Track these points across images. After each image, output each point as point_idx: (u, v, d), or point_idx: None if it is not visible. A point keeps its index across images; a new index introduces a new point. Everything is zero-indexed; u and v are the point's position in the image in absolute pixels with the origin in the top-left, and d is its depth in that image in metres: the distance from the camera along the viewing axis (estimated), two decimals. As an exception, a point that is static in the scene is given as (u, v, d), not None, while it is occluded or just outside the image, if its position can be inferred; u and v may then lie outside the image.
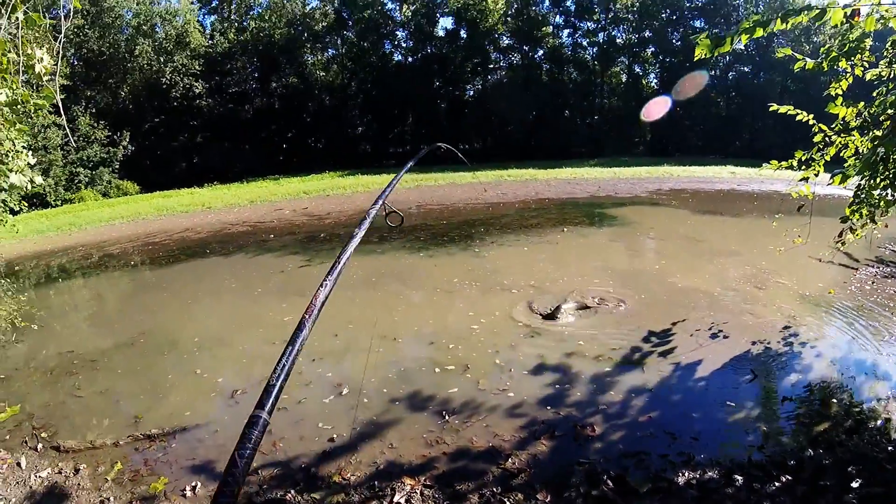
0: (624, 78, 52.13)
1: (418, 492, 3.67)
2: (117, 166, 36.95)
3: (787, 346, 6.11)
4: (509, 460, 4.00)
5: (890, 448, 4.05)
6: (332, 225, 16.43)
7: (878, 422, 4.46)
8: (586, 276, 9.06)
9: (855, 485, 3.60)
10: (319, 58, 50.37)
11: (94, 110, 38.32)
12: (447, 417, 4.66)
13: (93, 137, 36.09)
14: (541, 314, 7.15)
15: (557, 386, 5.18)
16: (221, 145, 43.81)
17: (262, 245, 13.82)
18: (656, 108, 41.27)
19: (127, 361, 6.67)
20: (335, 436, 4.45)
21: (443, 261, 10.85)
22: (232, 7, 48.98)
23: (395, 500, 3.60)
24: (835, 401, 4.88)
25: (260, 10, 49.19)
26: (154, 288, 10.73)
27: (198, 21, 46.96)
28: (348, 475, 3.92)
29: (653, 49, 50.15)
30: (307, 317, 0.81)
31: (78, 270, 12.80)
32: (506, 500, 3.55)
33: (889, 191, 5.03)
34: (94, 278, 11.91)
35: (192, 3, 47.64)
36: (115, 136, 37.28)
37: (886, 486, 3.57)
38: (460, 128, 47.95)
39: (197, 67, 43.11)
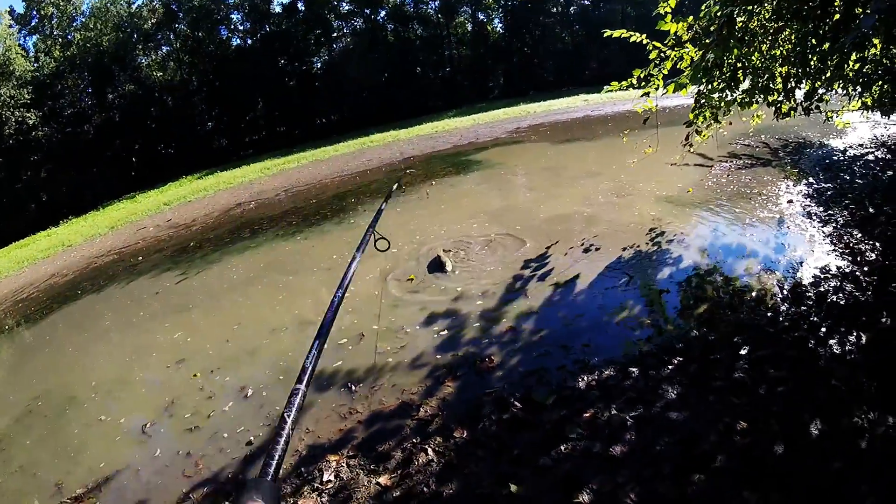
0: (469, 27, 52.70)
1: (344, 464, 3.76)
2: (-39, 225, 33.31)
3: (655, 245, 6.64)
4: (421, 410, 4.17)
5: (769, 314, 4.56)
6: (201, 231, 15.73)
7: (754, 293, 4.99)
8: (461, 223, 9.29)
9: (743, 352, 4.04)
10: (154, 58, 47.02)
11: (-76, 171, 34.20)
12: (353, 388, 4.76)
13: (-71, 201, 32.29)
14: (426, 269, 7.31)
15: (450, 330, 5.40)
16: (68, 175, 40.35)
17: (133, 270, 13.06)
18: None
19: (30, 431, 6.21)
20: (252, 438, 4.43)
21: (319, 240, 10.75)
22: (53, 22, 44.38)
23: (325, 478, 3.66)
24: (710, 284, 5.40)
25: (83, 20, 44.99)
26: (35, 347, 9.94)
27: (19, 45, 42.31)
28: (274, 470, 3.93)
29: (494, -5, 50.88)
30: (337, 296, 0.88)
31: (-48, 353, 11.64)
32: (427, 447, 3.72)
33: (727, 92, 5.53)
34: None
35: (10, 26, 42.83)
36: (-47, 195, 33.50)
37: (773, 347, 4.04)
38: (313, 103, 46.96)
39: (26, 96, 38.92)
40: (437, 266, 7.16)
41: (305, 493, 3.61)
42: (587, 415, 3.66)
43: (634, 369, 4.05)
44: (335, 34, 50.30)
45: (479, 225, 8.94)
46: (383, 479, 3.53)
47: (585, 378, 4.09)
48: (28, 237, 29.61)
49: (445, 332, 5.39)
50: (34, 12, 44.18)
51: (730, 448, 3.12)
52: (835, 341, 4.00)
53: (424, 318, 5.82)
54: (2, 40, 40.29)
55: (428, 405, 4.22)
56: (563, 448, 3.39)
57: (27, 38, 44.73)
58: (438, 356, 4.93)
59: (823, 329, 4.19)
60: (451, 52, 52.35)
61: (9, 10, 44.13)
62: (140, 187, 36.56)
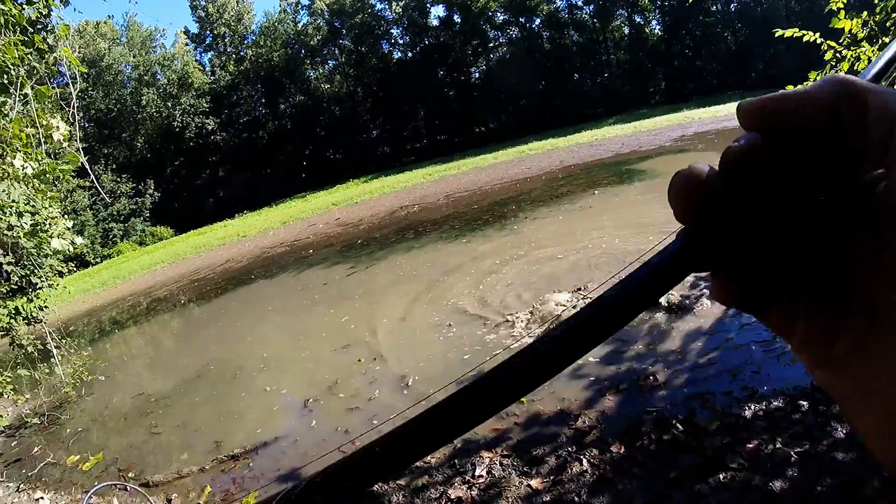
0: (626, 30, 51.19)
1: (497, 462, 3.82)
2: (148, 215, 38.20)
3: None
4: (579, 420, 4.13)
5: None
6: (367, 230, 16.64)
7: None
8: (624, 233, 9.00)
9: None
10: (321, 71, 50.84)
11: (114, 166, 39.73)
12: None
13: (119, 192, 37.28)
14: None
15: (616, 343, 5.27)
16: (243, 175, 44.76)
17: (303, 261, 14.11)
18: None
19: (198, 393, 6.98)
20: (410, 425, 4.62)
21: (482, 243, 10.93)
22: (226, 40, 49.68)
23: (477, 473, 3.75)
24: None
25: (254, 38, 49.81)
26: (209, 321, 11.08)
27: (196, 60, 48.05)
28: (428, 458, 4.07)
29: (650, -5, 49.11)
30: None
31: (130, 319, 13.28)
32: (581, 457, 3.67)
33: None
34: (147, 324, 12.35)
35: (186, 44, 48.59)
36: (139, 187, 38.46)
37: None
38: (472, 112, 47.95)
39: (205, 105, 44.06)
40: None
41: (456, 484, 3.73)
42: (751, 445, 3.42)
43: (804, 402, 3.73)
44: (491, 44, 51.10)
45: (644, 237, 8.59)
46: (535, 482, 3.54)
47: (752, 407, 3.83)
48: (206, 227, 32.98)
49: (611, 344, 5.26)
50: (208, 32, 49.81)
51: (892, 495, 2.83)
52: None
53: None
54: (179, 56, 45.71)
55: (587, 416, 4.16)
56: (721, 477, 3.21)
57: (202, 54, 50.95)
58: (602, 368, 4.86)
59: None
60: (608, 57, 51.18)
61: (184, 30, 50.41)
62: (310, 188, 39.51)
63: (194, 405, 6.62)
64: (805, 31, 5.23)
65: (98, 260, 32.57)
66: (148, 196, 38.76)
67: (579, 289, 6.84)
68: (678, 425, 3.79)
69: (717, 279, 0.33)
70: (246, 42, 50.30)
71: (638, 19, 50.98)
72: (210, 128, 44.44)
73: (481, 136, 47.10)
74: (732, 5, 47.27)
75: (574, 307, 6.29)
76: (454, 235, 12.25)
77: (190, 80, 44.42)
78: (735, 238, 0.31)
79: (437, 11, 51.59)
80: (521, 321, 6.32)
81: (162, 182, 41.65)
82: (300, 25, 50.15)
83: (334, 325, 8.03)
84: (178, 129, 43.06)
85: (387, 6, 49.80)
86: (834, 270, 0.31)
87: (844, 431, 3.38)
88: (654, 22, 51.27)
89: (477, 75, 51.45)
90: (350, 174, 39.28)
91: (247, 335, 9.19)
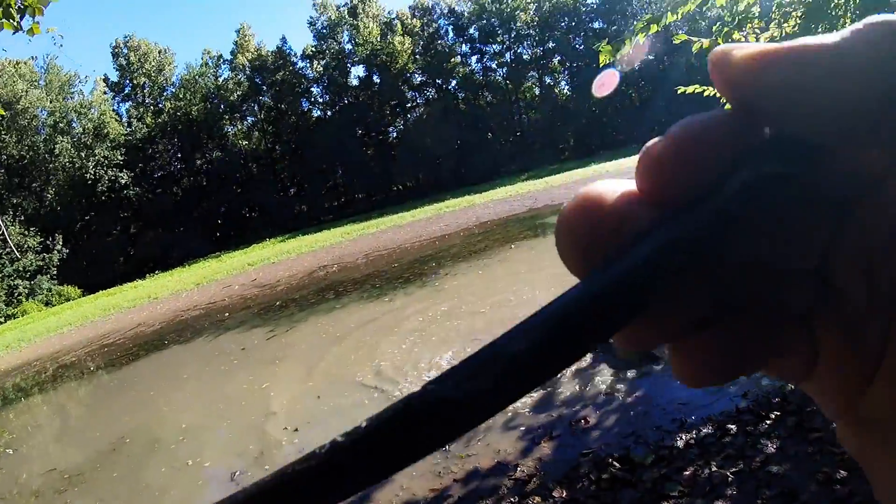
0: (537, 91, 53.90)
1: (439, 523, 3.75)
2: (55, 272, 35.87)
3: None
4: (518, 470, 4.11)
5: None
6: (286, 291, 16.27)
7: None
8: (544, 284, 9.20)
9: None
10: (240, 127, 50.51)
11: (22, 217, 37.41)
12: (448, 447, 4.75)
13: (25, 246, 35.08)
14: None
15: (545, 390, 5.32)
16: (156, 232, 43.24)
17: (220, 325, 13.61)
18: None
19: (114, 468, 6.50)
20: (344, 493, 4.47)
21: (403, 302, 10.86)
22: (146, 91, 48.64)
23: (420, 535, 3.66)
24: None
25: (174, 90, 49.02)
26: (121, 389, 10.45)
27: (113, 110, 46.62)
28: (369, 524, 3.96)
29: (559, 58, 52.07)
30: None
31: (36, 387, 12.37)
32: (524, 506, 3.66)
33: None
34: (55, 392, 11.53)
35: (104, 92, 47.16)
36: (47, 242, 36.33)
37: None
38: (390, 170, 48.60)
39: (119, 157, 42.61)
40: None
41: (400, 549, 3.63)
42: (687, 472, 3.54)
43: (732, 426, 3.91)
44: (409, 104, 52.49)
45: (564, 287, 8.83)
46: (479, 539, 3.51)
47: (684, 437, 3.97)
48: (116, 287, 31.48)
49: (540, 391, 5.30)
50: (127, 81, 48.72)
51: (830, 498, 2.99)
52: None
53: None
54: (97, 105, 44.29)
55: (525, 465, 4.15)
56: (663, 505, 3.29)
57: (120, 104, 49.39)
58: (534, 416, 4.87)
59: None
60: (520, 116, 53.49)
61: (103, 77, 48.95)
62: (225, 247, 38.53)
63: (111, 481, 6.15)
64: (705, 87, 5.62)
65: (2, 320, 30.38)
66: (56, 252, 36.52)
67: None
68: (615, 463, 3.85)
69: (677, 350, 0.23)
70: (165, 94, 49.40)
71: (548, 80, 53.88)
72: (123, 181, 42.80)
73: (399, 193, 47.77)
74: (637, 63, 50.52)
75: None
76: (376, 294, 12.14)
77: (106, 131, 42.94)
78: (684, 286, 0.20)
79: (357, 71, 52.73)
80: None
81: (71, 237, 39.53)
82: (221, 80, 49.82)
83: (256, 392, 7.69)
84: (90, 182, 41.19)
85: (308, 64, 50.52)
86: (866, 298, 0.20)
87: (774, 446, 3.55)
88: (563, 82, 54.25)
89: (395, 134, 52.50)
90: (267, 233, 38.66)
91: (163, 405, 8.69)
